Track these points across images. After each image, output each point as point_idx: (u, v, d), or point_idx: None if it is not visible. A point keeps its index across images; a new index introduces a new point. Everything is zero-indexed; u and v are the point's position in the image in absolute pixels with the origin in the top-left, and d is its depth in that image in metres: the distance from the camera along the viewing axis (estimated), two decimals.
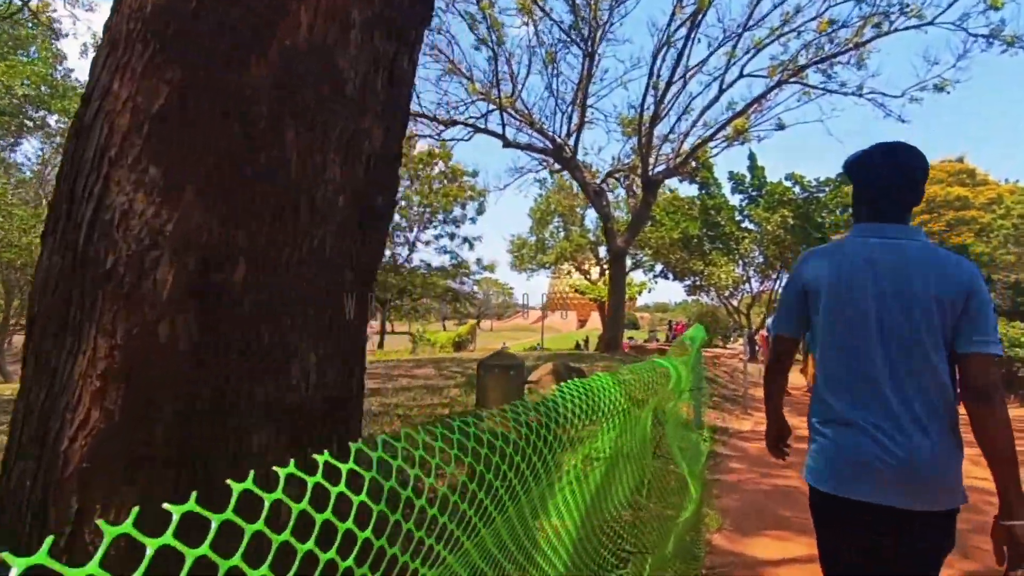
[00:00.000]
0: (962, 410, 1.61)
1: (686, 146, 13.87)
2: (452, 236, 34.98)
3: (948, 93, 11.78)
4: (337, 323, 1.82)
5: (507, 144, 13.14)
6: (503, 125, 12.92)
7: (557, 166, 15.38)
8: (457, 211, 34.17)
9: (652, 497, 3.02)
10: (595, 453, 1.93)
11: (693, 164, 15.01)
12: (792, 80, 12.41)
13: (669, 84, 12.32)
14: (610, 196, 20.31)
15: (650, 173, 13.31)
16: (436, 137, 13.72)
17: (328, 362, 1.80)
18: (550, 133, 14.47)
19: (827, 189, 23.69)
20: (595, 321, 43.14)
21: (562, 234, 40.29)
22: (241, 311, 1.57)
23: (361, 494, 0.68)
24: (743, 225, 25.71)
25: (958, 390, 1.63)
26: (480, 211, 35.55)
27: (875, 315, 1.60)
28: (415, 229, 33.41)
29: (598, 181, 15.39)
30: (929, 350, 1.56)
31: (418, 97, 12.80)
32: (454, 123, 13.01)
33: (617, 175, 15.54)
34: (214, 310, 1.54)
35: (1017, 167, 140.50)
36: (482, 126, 13.25)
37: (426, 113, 12.84)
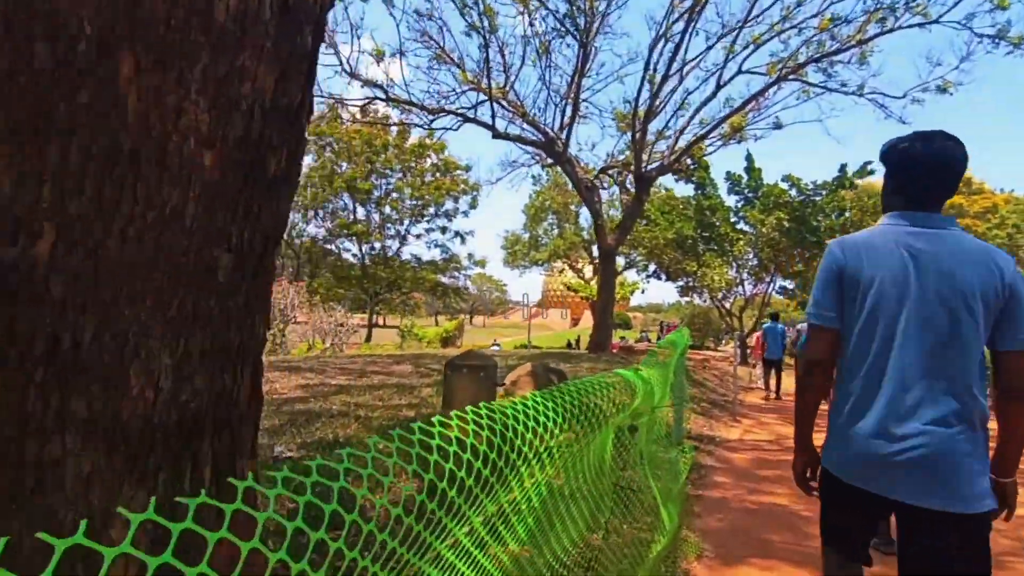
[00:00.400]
0: None
1: (681, 143, 13.51)
2: (444, 230, 34.58)
3: (951, 95, 11.45)
4: (204, 315, 1.42)
5: (497, 135, 12.73)
6: (493, 115, 12.52)
7: (549, 160, 14.96)
8: (449, 205, 33.76)
9: (615, 525, 2.64)
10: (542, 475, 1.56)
11: (688, 162, 14.62)
12: (791, 77, 12.04)
13: (665, 78, 11.93)
14: (604, 194, 19.97)
15: (643, 170, 12.93)
16: (426, 127, 13.29)
17: (191, 364, 1.41)
18: (543, 126, 14.07)
19: (823, 192, 23.39)
20: (588, 320, 42.78)
21: (556, 231, 39.98)
22: (47, 297, 1.17)
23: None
24: (738, 227, 25.41)
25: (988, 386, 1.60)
26: (473, 205, 35.17)
27: (915, 307, 1.55)
28: (406, 222, 32.98)
29: (591, 177, 15.00)
30: (966, 345, 1.52)
31: (407, 86, 12.42)
32: (443, 111, 12.58)
33: (610, 171, 15.14)
34: (5, 296, 1.15)
35: (1014, 177, 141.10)
36: (472, 116, 12.83)
37: (414, 101, 12.42)
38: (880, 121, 12.49)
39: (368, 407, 5.53)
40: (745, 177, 25.50)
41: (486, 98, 13.57)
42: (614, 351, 16.88)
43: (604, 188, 19.12)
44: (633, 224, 14.18)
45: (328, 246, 32.97)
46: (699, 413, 8.19)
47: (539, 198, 38.43)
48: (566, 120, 14.79)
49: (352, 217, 32.26)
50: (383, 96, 12.62)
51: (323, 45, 1.81)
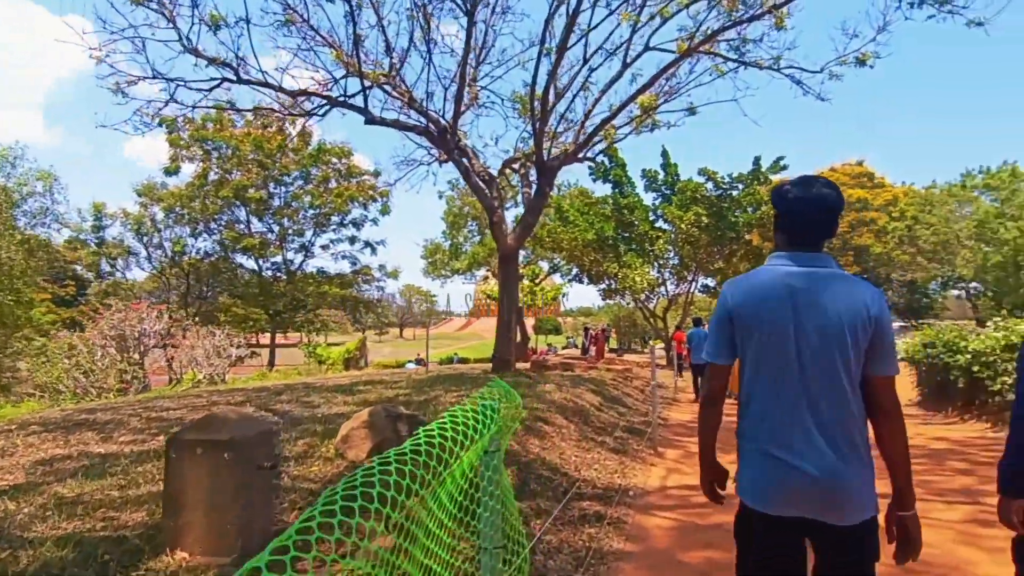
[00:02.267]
0: None
1: (589, 129, 12.00)
2: (353, 240, 32.05)
3: (871, 67, 10.54)
4: None
5: (371, 120, 10.76)
6: (365, 97, 10.52)
7: (446, 156, 13.09)
8: (357, 213, 31.30)
9: None
10: None
11: (599, 151, 13.17)
12: (702, 50, 10.78)
13: (563, 51, 10.37)
14: (519, 196, 18.24)
15: (546, 159, 11.33)
16: (284, 113, 11.15)
17: None
18: (432, 113, 12.22)
19: (741, 186, 22.80)
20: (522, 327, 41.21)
21: (478, 238, 38.27)
22: None
23: None
24: (657, 224, 24.50)
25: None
26: (384, 212, 32.84)
27: (794, 343, 1.71)
28: (309, 233, 30.19)
29: (494, 171, 13.27)
30: (843, 375, 1.69)
31: (258, 61, 10.22)
32: (304, 93, 10.51)
33: (514, 164, 13.49)
34: None
35: (913, 170, 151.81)
36: (342, 100, 10.79)
37: (270, 82, 10.25)
38: (798, 99, 11.38)
39: (29, 522, 3.44)
40: (662, 173, 24.65)
41: (371, 84, 11.61)
42: (531, 360, 15.20)
43: (522, 188, 17.53)
44: (536, 220, 12.55)
45: (221, 263, 29.63)
46: (611, 450, 6.52)
47: (456, 203, 36.66)
48: (462, 108, 13.07)
49: (247, 229, 29.17)
50: (232, 76, 10.41)
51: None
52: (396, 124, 11.41)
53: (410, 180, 46.69)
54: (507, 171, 14.01)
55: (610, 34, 11.93)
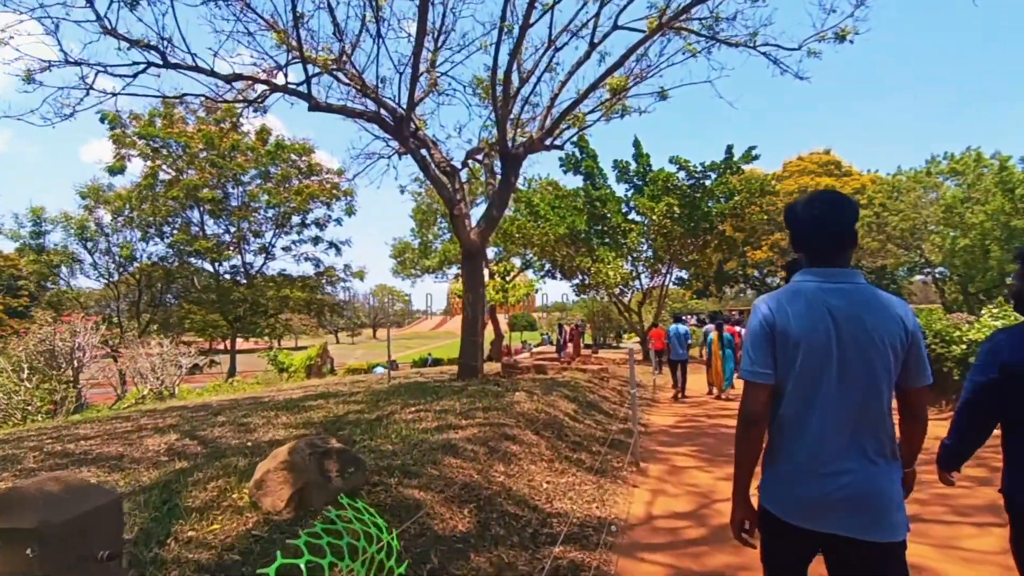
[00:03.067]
0: None
1: (556, 113, 11.19)
2: (316, 240, 30.70)
3: (851, 43, 9.95)
4: None
5: (315, 107, 9.76)
6: (307, 80, 9.50)
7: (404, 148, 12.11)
8: (320, 212, 29.99)
9: None
10: None
11: (567, 136, 12.36)
12: (673, 26, 10.05)
13: (525, 28, 9.51)
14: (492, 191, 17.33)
15: (510, 146, 10.48)
16: (217, 99, 10.06)
17: None
18: (389, 102, 11.27)
19: (713, 175, 22.27)
20: (501, 325, 40.26)
21: (448, 236, 37.22)
22: None
23: None
24: (629, 217, 23.87)
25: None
26: (349, 212, 31.61)
27: (836, 359, 1.72)
28: (269, 234, 28.77)
29: (457, 163, 12.37)
30: (883, 389, 1.73)
31: (187, 44, 9.11)
32: (239, 78, 9.46)
33: (477, 155, 12.60)
34: None
35: (876, 158, 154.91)
36: (282, 84, 9.76)
37: (200, 66, 9.17)
38: (775, 78, 10.76)
39: None
40: (633, 164, 24.03)
41: (317, 69, 10.60)
42: (502, 363, 14.36)
43: (482, 179, 16.70)
44: (502, 214, 11.69)
45: (175, 267, 27.99)
46: (588, 470, 5.73)
47: (424, 200, 35.56)
48: (420, 95, 12.14)
49: (202, 232, 27.64)
50: (159, 60, 9.31)
51: None
52: (344, 110, 10.42)
53: (369, 175, 45.29)
54: (470, 162, 13.12)
55: (576, 13, 11.14)
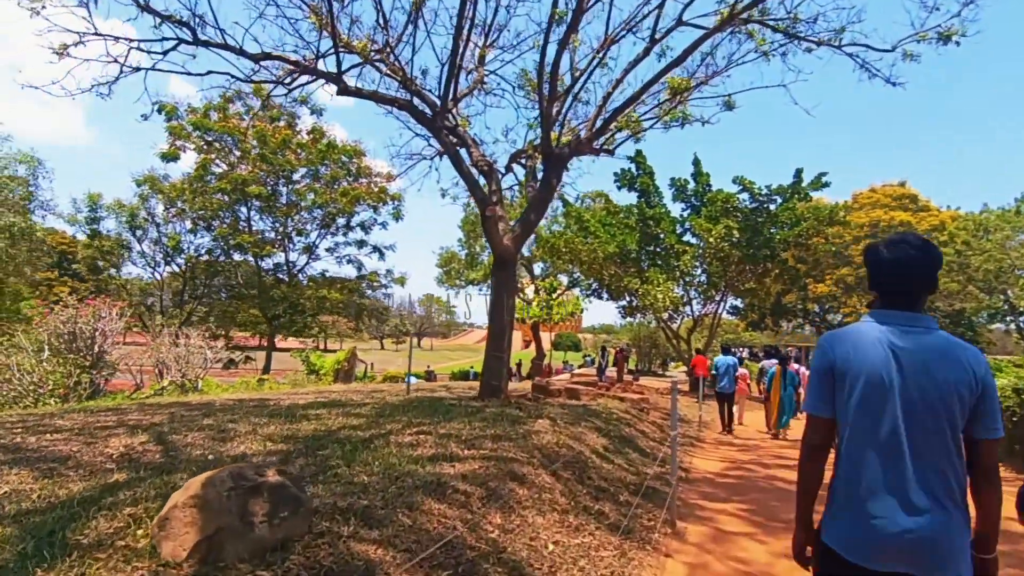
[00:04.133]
0: None
1: (608, 112, 10.16)
2: (361, 244, 30.47)
3: (957, 44, 8.56)
4: None
5: (344, 91, 9.09)
6: (338, 63, 8.84)
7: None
8: (367, 215, 29.75)
9: None
10: None
11: (620, 141, 11.29)
12: (745, 16, 8.89)
13: (579, 13, 8.57)
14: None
15: (554, 146, 9.51)
16: (248, 80, 9.55)
17: None
18: (429, 94, 10.53)
19: (779, 199, 20.69)
20: (544, 342, 39.03)
21: None
22: None
23: None
24: (684, 238, 22.45)
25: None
26: (397, 216, 31.29)
27: (899, 402, 1.70)
28: (314, 234, 28.68)
29: (500, 168, 11.49)
30: (948, 437, 1.69)
31: (217, 20, 8.62)
32: (269, 57, 8.90)
33: (521, 158, 11.71)
34: None
35: (957, 194, 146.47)
36: (313, 67, 9.15)
37: (229, 44, 8.65)
38: (862, 83, 9.40)
39: None
40: (692, 183, 22.67)
41: (363, 60, 9.98)
42: (532, 383, 13.28)
43: (526, 181, 15.75)
44: (540, 218, 10.68)
45: (221, 261, 28.22)
46: (610, 527, 4.59)
47: (471, 211, 35.02)
48: (463, 90, 11.38)
49: (247, 227, 27.77)
50: (188, 37, 8.86)
51: None
52: (375, 96, 9.71)
53: (410, 176, 45.09)
54: (514, 165, 12.23)
55: (638, 8, 10.13)
